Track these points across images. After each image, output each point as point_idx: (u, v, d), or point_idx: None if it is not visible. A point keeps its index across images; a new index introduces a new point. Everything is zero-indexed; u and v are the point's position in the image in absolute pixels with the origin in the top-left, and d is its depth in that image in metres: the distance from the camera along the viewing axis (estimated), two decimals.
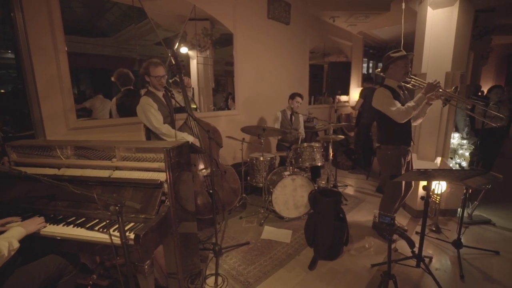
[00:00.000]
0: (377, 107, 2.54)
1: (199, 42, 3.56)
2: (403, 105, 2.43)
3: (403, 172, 2.58)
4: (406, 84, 2.60)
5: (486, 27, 5.26)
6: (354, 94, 6.89)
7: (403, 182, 2.61)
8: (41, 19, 2.21)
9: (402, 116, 2.38)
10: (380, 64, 2.71)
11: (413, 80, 2.56)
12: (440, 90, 2.31)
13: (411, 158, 2.71)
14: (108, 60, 2.83)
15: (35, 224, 1.48)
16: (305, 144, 3.35)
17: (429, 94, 2.30)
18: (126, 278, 1.35)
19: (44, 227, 1.52)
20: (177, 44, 3.29)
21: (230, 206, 3.02)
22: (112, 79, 2.82)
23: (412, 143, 2.63)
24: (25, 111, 2.27)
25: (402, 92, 2.56)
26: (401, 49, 2.54)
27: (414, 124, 2.64)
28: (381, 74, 2.64)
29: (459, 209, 3.08)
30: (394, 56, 2.46)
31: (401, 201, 2.81)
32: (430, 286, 2.08)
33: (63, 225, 1.54)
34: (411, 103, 2.36)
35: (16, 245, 1.30)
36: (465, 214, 2.85)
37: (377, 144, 2.70)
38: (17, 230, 1.37)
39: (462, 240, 2.43)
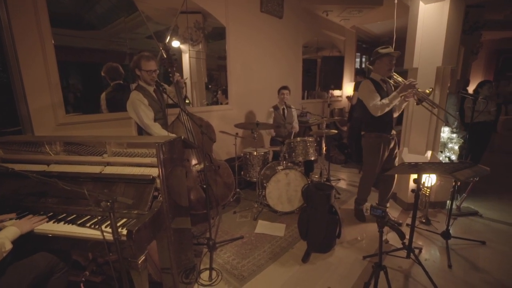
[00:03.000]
0: (361, 98, 2.79)
1: (191, 35, 3.50)
2: (383, 97, 2.64)
3: (380, 158, 2.79)
4: (389, 80, 2.77)
5: (476, 22, 5.32)
6: (347, 88, 6.92)
7: (379, 165, 2.83)
8: (25, 10, 2.14)
9: (376, 111, 2.61)
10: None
11: (394, 76, 2.71)
12: (418, 90, 2.47)
13: (395, 145, 2.89)
14: (97, 54, 2.76)
15: (30, 223, 1.45)
16: (299, 139, 3.36)
17: (402, 93, 2.50)
18: (119, 274, 1.34)
19: (41, 224, 1.49)
20: (169, 37, 3.24)
21: (224, 201, 3.03)
22: (102, 73, 2.76)
23: (393, 132, 2.81)
24: (12, 106, 2.21)
25: (385, 86, 2.76)
26: (389, 46, 2.68)
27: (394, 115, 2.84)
28: (370, 66, 2.83)
29: (448, 202, 3.15)
30: (381, 52, 2.64)
31: (387, 191, 2.97)
32: (420, 276, 2.13)
33: (54, 222, 1.53)
34: (385, 101, 2.57)
35: (8, 246, 1.27)
36: (454, 206, 2.93)
37: (362, 132, 2.91)
38: (10, 230, 1.33)
39: (450, 231, 2.49)
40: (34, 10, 2.17)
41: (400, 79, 2.67)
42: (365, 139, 2.88)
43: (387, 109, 2.58)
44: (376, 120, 2.69)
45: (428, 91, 2.49)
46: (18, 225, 1.39)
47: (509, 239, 2.67)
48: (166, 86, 2.61)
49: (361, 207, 3.09)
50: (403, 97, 2.54)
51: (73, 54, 2.59)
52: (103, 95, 2.77)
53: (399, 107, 2.77)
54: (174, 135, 2.42)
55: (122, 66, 2.82)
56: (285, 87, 3.83)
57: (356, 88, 5.07)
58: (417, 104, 2.56)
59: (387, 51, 2.61)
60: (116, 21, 2.78)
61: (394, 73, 2.70)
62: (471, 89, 6.00)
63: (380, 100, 2.61)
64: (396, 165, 2.95)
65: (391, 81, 2.75)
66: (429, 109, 2.74)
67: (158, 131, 2.32)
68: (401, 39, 3.24)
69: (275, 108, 3.88)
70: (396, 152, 2.94)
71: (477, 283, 2.08)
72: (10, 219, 1.52)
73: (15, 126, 2.25)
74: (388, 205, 3.08)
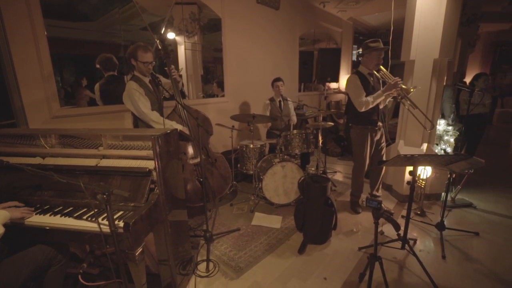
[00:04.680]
0: (347, 92, 2.87)
1: (186, 27, 3.45)
2: (369, 91, 2.70)
3: (368, 149, 2.87)
4: (377, 73, 2.77)
5: (473, 14, 5.30)
6: (344, 81, 6.89)
7: (368, 155, 2.90)
8: (17, 0, 2.09)
9: (361, 107, 2.67)
10: None
11: (382, 71, 2.70)
12: (403, 86, 2.51)
13: (382, 136, 2.95)
14: (92, 46, 2.72)
15: (20, 211, 1.45)
16: (295, 131, 3.36)
17: (387, 92, 2.55)
18: (117, 266, 1.35)
19: (30, 216, 1.49)
20: (164, 29, 3.19)
21: (221, 193, 3.04)
22: (96, 64, 2.72)
23: (379, 123, 2.86)
24: (5, 99, 2.17)
25: (372, 79, 2.78)
26: (378, 39, 2.68)
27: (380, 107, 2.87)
28: (359, 59, 2.84)
29: (443, 193, 3.19)
30: (370, 46, 2.65)
31: (377, 179, 3.04)
32: (414, 266, 2.17)
33: (50, 215, 1.52)
34: (370, 98, 2.64)
35: (1, 230, 1.26)
36: (449, 198, 2.96)
37: (349, 124, 2.96)
38: (0, 214, 1.33)
39: (445, 223, 2.53)
40: (26, 1, 2.12)
41: (387, 74, 2.66)
42: (352, 130, 2.94)
43: (371, 106, 2.65)
44: (362, 113, 2.74)
45: (412, 89, 2.50)
46: (8, 210, 1.39)
47: (503, 230, 2.71)
48: (161, 78, 2.58)
49: (357, 199, 3.12)
50: (386, 96, 2.62)
51: (66, 46, 2.55)
52: (96, 86, 2.73)
53: (383, 101, 2.81)
54: (174, 122, 2.42)
55: (116, 58, 2.78)
56: (278, 79, 3.79)
57: None
58: (399, 101, 2.69)
59: (376, 45, 2.63)
60: (110, 12, 2.73)
61: (382, 68, 2.70)
62: (467, 81, 6.01)
63: (366, 96, 2.66)
64: (383, 156, 3.02)
65: (379, 75, 2.75)
66: (409, 109, 2.81)
67: (157, 119, 2.28)
68: (398, 31, 3.23)
69: (271, 100, 3.87)
70: (383, 144, 2.99)
71: (470, 273, 2.13)
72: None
73: (8, 119, 2.22)
74: (379, 193, 3.13)
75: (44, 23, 2.24)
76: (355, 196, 3.12)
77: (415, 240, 2.52)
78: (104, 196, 1.19)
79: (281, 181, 3.14)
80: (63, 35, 2.46)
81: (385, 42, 2.88)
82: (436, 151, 3.32)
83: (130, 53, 2.26)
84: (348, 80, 2.83)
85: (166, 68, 2.50)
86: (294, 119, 4.00)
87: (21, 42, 2.14)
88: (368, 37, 2.99)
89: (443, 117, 3.89)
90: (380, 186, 3.12)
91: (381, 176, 3.05)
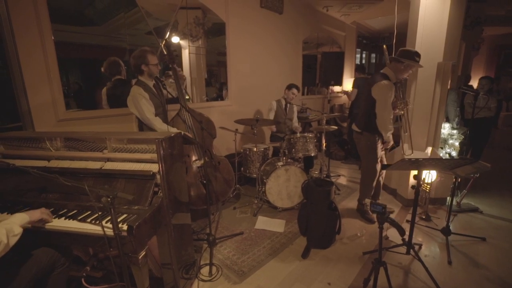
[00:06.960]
0: (376, 97, 2.59)
1: (191, 31, 3.49)
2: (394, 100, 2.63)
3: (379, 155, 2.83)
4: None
5: (477, 18, 5.28)
6: (347, 84, 6.90)
7: (378, 163, 2.83)
8: (25, 6, 2.13)
9: (382, 124, 2.63)
10: (373, 55, 2.79)
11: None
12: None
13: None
14: (98, 50, 2.75)
15: (40, 212, 1.42)
16: (298, 135, 3.36)
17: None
18: (120, 270, 1.35)
19: (50, 220, 1.48)
20: (168, 33, 3.22)
21: (224, 197, 3.03)
22: (102, 70, 2.75)
23: None
24: (12, 102, 2.20)
25: (396, 88, 2.67)
26: (420, 55, 2.56)
27: None
28: (392, 56, 2.62)
29: (448, 198, 3.15)
30: (416, 60, 2.52)
31: (379, 185, 3.02)
32: (419, 272, 2.14)
33: (55, 217, 1.53)
34: (391, 126, 2.68)
35: (17, 230, 1.24)
36: (454, 203, 2.93)
37: (359, 130, 2.86)
38: (19, 216, 1.32)
39: (450, 228, 2.50)
40: (33, 6, 2.16)
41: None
42: (365, 137, 2.83)
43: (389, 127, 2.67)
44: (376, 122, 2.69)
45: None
46: (27, 212, 1.37)
47: (510, 235, 2.67)
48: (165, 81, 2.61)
49: (367, 208, 3.03)
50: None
51: (73, 50, 2.59)
52: (104, 90, 2.76)
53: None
54: (175, 129, 2.44)
55: (122, 62, 2.81)
56: (296, 87, 3.81)
57: (355, 85, 5.05)
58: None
59: (419, 60, 2.52)
60: (116, 17, 2.77)
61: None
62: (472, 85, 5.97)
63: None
64: (384, 160, 2.99)
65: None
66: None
67: (160, 125, 2.32)
68: (401, 35, 3.22)
69: (278, 102, 3.88)
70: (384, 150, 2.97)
71: (477, 279, 2.09)
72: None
73: (15, 122, 2.25)
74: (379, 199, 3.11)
75: (52, 28, 2.27)
76: (364, 204, 3.03)
77: (420, 245, 2.49)
78: (109, 199, 1.20)
79: (284, 185, 3.13)
80: (69, 39, 2.50)
81: (388, 46, 2.87)
82: (441, 154, 3.29)
83: (138, 59, 2.29)
84: (382, 86, 2.53)
85: (169, 71, 2.53)
86: (296, 125, 4.00)
87: (28, 47, 2.17)
88: (371, 41, 2.97)
89: (447, 120, 3.86)
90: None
91: (382, 183, 3.03)
